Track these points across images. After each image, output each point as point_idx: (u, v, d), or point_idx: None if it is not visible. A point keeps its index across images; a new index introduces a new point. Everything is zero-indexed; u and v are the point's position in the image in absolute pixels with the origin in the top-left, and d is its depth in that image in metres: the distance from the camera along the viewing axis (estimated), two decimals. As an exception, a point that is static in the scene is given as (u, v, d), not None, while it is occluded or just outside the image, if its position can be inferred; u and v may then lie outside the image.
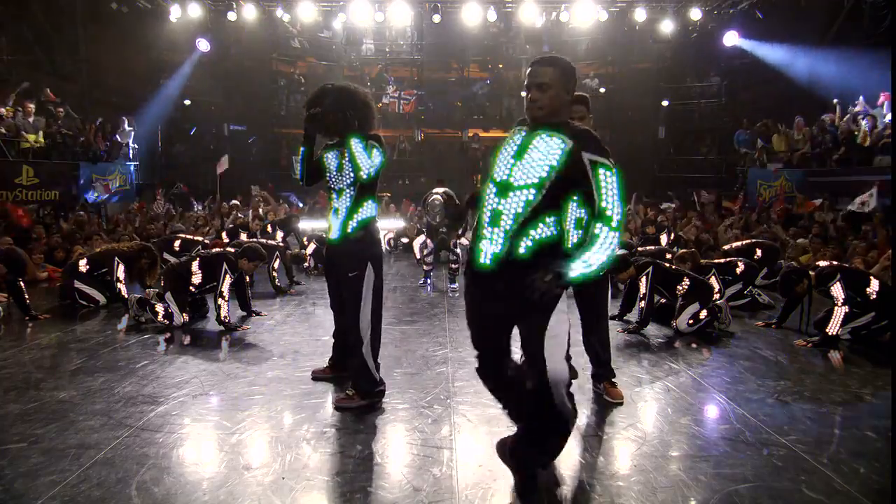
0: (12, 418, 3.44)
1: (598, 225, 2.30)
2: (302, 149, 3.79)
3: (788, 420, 3.50)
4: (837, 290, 5.05)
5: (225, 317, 5.38)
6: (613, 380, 3.88)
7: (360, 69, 18.51)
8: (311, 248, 8.78)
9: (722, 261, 6.71)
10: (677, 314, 5.44)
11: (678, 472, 2.89)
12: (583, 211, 2.61)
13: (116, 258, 6.30)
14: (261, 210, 12.24)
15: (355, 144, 3.53)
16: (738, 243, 8.08)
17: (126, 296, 6.09)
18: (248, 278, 5.98)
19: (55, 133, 12.12)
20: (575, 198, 2.45)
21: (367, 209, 3.67)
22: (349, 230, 3.62)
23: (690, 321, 5.35)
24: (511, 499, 2.65)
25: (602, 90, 17.88)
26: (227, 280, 5.46)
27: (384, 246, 3.83)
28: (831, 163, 11.87)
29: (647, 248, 8.18)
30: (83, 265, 6.36)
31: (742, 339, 5.29)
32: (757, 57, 14.66)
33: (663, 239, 10.26)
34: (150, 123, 15.81)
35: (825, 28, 13.86)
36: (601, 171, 2.33)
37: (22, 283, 5.87)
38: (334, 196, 3.71)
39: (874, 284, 5.07)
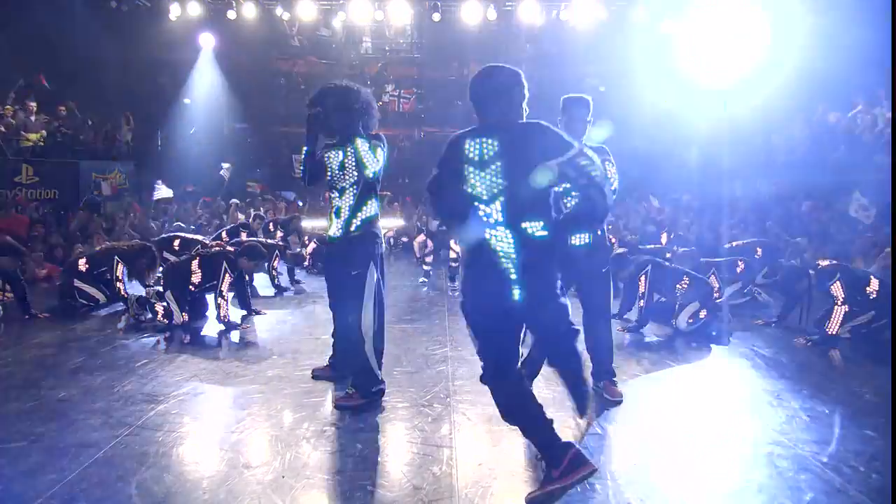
0: (12, 417, 3.44)
1: None
2: (304, 148, 3.79)
3: (788, 419, 3.50)
4: (837, 289, 5.05)
5: (225, 316, 5.38)
6: (613, 378, 3.87)
7: (360, 68, 18.49)
8: (311, 247, 8.78)
9: (722, 259, 6.71)
10: (677, 313, 5.44)
11: (677, 470, 2.89)
12: None
13: (116, 257, 6.30)
14: (261, 209, 12.23)
15: (361, 144, 3.54)
16: (739, 242, 8.08)
17: (126, 295, 6.09)
18: (247, 277, 5.98)
19: (55, 132, 12.12)
20: None
21: (370, 208, 3.67)
22: (352, 229, 3.62)
23: (690, 320, 5.35)
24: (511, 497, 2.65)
25: (602, 88, 17.87)
26: (227, 279, 5.46)
27: (384, 243, 3.85)
28: (831, 161, 11.86)
29: (647, 246, 8.17)
30: (83, 264, 6.35)
31: (742, 337, 5.28)
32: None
33: (663, 237, 10.26)
34: (149, 122, 15.80)
35: (825, 26, 13.85)
36: None
37: (24, 282, 5.88)
38: (336, 195, 3.70)
39: (874, 283, 5.07)
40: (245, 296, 5.97)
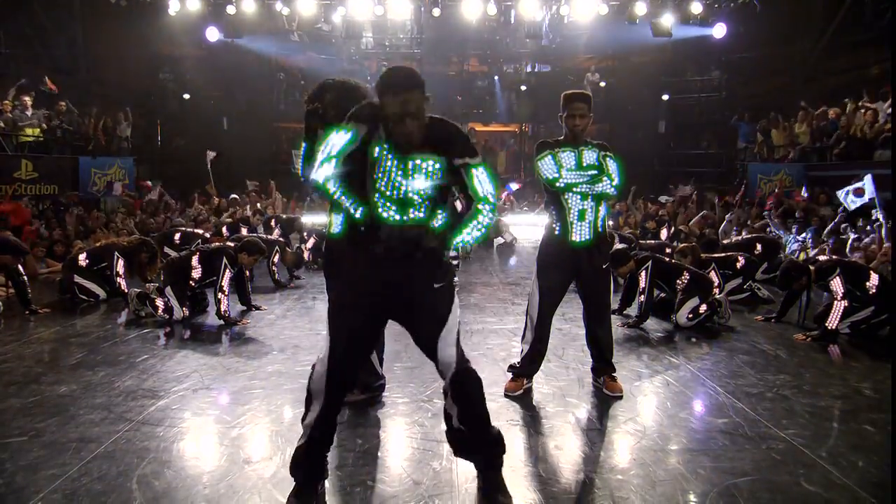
0: (13, 412, 3.45)
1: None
2: (303, 144, 3.76)
3: (787, 414, 3.51)
4: (837, 285, 5.06)
5: (225, 311, 5.38)
6: (613, 374, 3.88)
7: (360, 63, 18.45)
8: (310, 242, 8.78)
9: (722, 255, 6.71)
10: (677, 308, 5.45)
11: (677, 465, 2.89)
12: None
13: (116, 253, 6.31)
14: (259, 205, 12.22)
15: None
16: (739, 238, 8.10)
17: (125, 290, 6.09)
18: (247, 273, 5.98)
19: (55, 128, 12.10)
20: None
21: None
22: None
23: (690, 315, 5.36)
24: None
25: (602, 84, 17.84)
26: (227, 274, 5.46)
27: None
28: (831, 157, 11.86)
29: (647, 242, 8.18)
30: (83, 259, 6.36)
31: (741, 333, 5.29)
32: (758, 50, 14.65)
33: (663, 233, 10.27)
34: (149, 117, 15.79)
35: (826, 21, 13.84)
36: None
37: (24, 277, 5.88)
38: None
39: (874, 279, 5.07)
40: (245, 291, 5.97)
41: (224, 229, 9.48)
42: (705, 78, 17.21)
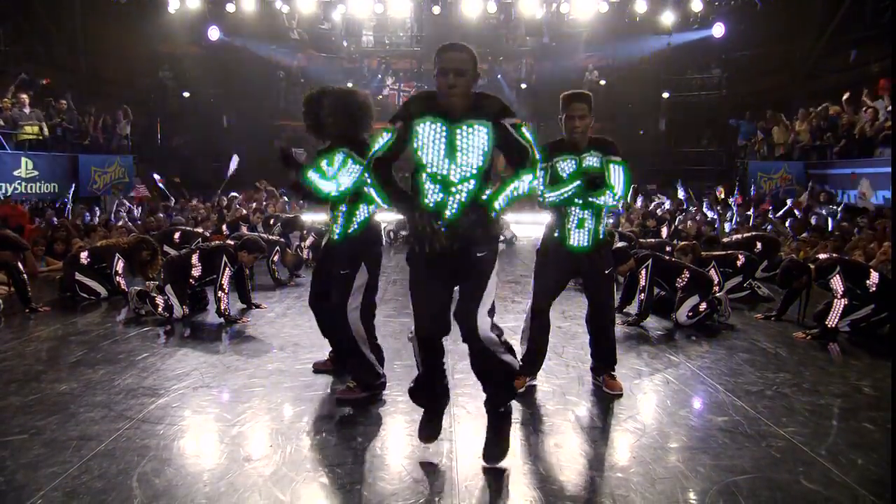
0: (13, 410, 3.45)
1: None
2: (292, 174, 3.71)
3: (787, 412, 3.51)
4: (837, 283, 5.05)
5: (225, 309, 5.38)
6: (613, 372, 3.88)
7: (360, 60, 18.45)
8: (309, 241, 8.78)
9: (722, 253, 6.71)
10: (677, 307, 5.45)
11: (677, 463, 2.90)
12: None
13: (117, 253, 6.32)
14: (263, 203, 12.22)
15: (338, 160, 3.48)
16: (739, 236, 8.09)
17: (125, 289, 6.09)
18: (247, 271, 5.98)
19: (55, 126, 12.09)
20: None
21: (363, 211, 3.59)
22: (349, 231, 3.58)
23: (690, 313, 5.36)
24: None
25: (602, 82, 17.82)
26: (227, 272, 5.46)
27: (384, 239, 3.79)
28: (831, 155, 11.86)
29: (648, 240, 8.18)
30: (84, 257, 6.37)
31: (741, 331, 5.29)
32: (758, 48, 14.63)
33: (664, 231, 10.26)
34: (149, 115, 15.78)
35: (826, 19, 13.82)
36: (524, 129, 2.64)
37: (24, 276, 5.88)
38: (331, 202, 3.63)
39: (873, 277, 5.07)
40: (245, 289, 5.97)
41: (224, 228, 9.48)
42: (705, 76, 17.20)
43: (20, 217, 9.16)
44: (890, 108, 10.54)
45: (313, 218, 10.60)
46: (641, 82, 17.59)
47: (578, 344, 4.80)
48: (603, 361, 3.89)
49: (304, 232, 9.12)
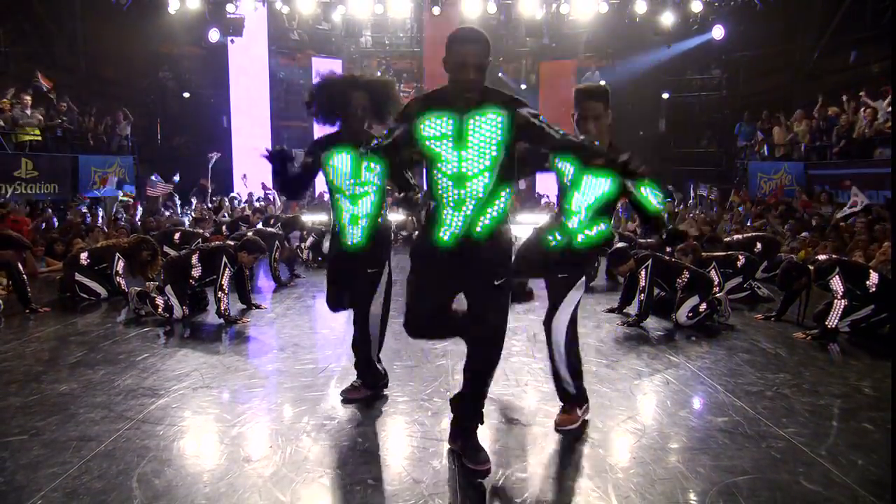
0: (13, 411, 3.45)
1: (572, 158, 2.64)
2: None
3: (787, 412, 3.51)
4: (836, 284, 5.06)
5: (225, 310, 5.38)
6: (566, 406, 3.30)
7: (360, 61, 18.44)
8: (309, 241, 8.78)
9: (722, 254, 6.71)
10: (677, 307, 5.45)
11: (677, 464, 2.90)
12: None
13: (117, 254, 6.32)
14: (258, 203, 12.25)
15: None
16: (739, 236, 8.10)
17: (125, 289, 6.10)
18: (247, 271, 5.98)
19: (55, 126, 12.09)
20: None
21: (385, 210, 3.46)
22: (372, 235, 3.38)
23: (690, 314, 5.36)
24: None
25: (602, 83, 17.82)
26: (227, 273, 5.46)
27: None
28: (831, 155, 11.86)
29: (647, 240, 8.18)
30: (84, 258, 6.38)
31: (741, 331, 5.29)
32: (758, 48, 14.64)
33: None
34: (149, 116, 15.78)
35: (826, 20, 13.82)
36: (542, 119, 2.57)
37: (24, 276, 5.88)
38: (346, 202, 3.36)
39: (873, 277, 5.07)
40: (245, 290, 5.97)
41: (224, 228, 9.48)
42: (705, 76, 17.20)
43: (21, 224, 9.16)
44: (889, 108, 10.55)
45: (313, 218, 10.60)
46: (641, 83, 17.58)
47: (579, 345, 4.79)
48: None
49: (304, 232, 9.12)
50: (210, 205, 13.01)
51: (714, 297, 5.47)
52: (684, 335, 5.20)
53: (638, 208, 3.13)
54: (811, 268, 5.33)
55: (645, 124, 17.58)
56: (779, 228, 9.52)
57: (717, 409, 3.58)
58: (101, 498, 2.56)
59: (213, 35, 15.01)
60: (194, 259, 5.62)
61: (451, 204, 2.58)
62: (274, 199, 13.85)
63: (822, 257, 5.66)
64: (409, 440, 3.15)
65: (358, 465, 2.87)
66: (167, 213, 11.68)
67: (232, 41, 15.36)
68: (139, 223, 10.50)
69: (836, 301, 5.05)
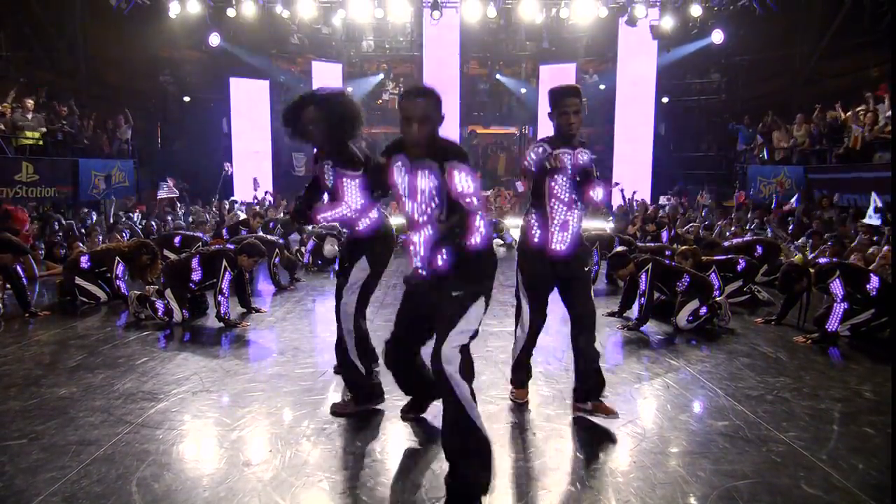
0: (12, 415, 3.45)
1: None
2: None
3: (787, 416, 3.50)
4: (836, 287, 5.05)
5: (224, 313, 5.38)
6: (601, 398, 3.47)
7: (360, 65, 18.49)
8: (310, 245, 8.78)
9: (723, 258, 6.71)
10: (677, 311, 5.45)
11: (677, 468, 2.89)
12: None
13: (117, 257, 6.32)
14: (258, 208, 12.25)
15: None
16: (739, 240, 8.10)
17: (124, 293, 6.10)
18: (247, 275, 5.98)
19: (57, 130, 12.11)
20: None
21: (369, 218, 3.48)
22: (350, 238, 3.55)
23: (690, 318, 5.36)
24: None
25: (602, 87, 17.85)
26: (227, 277, 5.46)
27: None
28: (831, 159, 11.87)
29: (648, 244, 8.19)
30: (84, 261, 6.37)
31: (741, 335, 5.29)
32: (757, 52, 14.67)
33: (663, 236, 10.27)
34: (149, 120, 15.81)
35: (825, 24, 13.86)
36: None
37: (24, 280, 5.88)
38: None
39: (874, 281, 5.07)
40: (245, 294, 5.97)
41: (224, 232, 9.48)
42: (705, 81, 17.23)
43: (21, 222, 9.16)
44: (890, 112, 10.56)
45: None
46: (641, 87, 17.59)
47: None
48: (586, 382, 3.49)
49: (304, 236, 9.12)
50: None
51: (714, 300, 5.47)
52: (684, 339, 5.20)
53: None
54: (811, 271, 5.33)
55: (644, 128, 17.58)
56: (779, 232, 9.52)
57: (717, 413, 3.57)
58: (100, 502, 2.55)
59: (214, 40, 15.04)
60: (194, 263, 5.62)
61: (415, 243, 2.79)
62: (274, 202, 13.86)
63: (822, 260, 5.66)
64: (409, 444, 3.15)
65: (358, 469, 2.86)
66: (168, 218, 11.68)
67: (233, 45, 15.40)
68: (139, 227, 10.50)
69: (836, 305, 5.04)
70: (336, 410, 3.54)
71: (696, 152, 17.11)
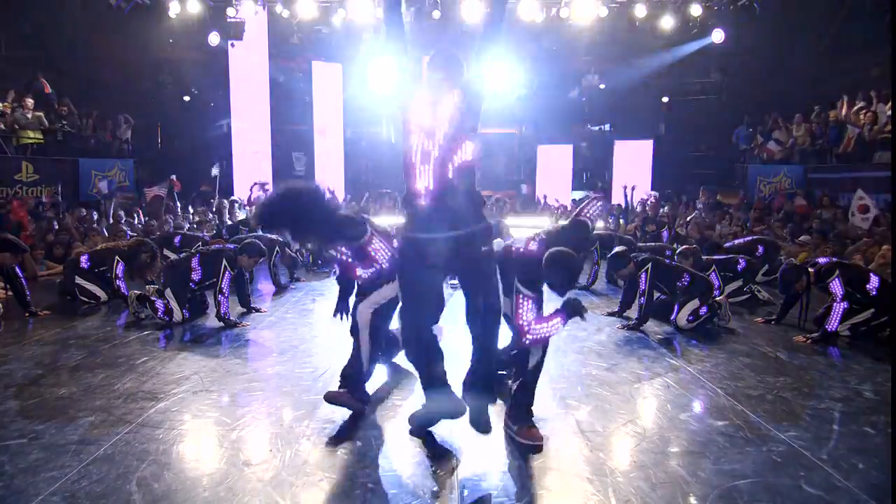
0: (12, 414, 3.44)
1: None
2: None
3: (787, 416, 3.50)
4: (836, 287, 5.05)
5: (224, 313, 5.38)
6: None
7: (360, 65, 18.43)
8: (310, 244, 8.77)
9: (723, 257, 6.72)
10: (677, 310, 5.44)
11: (677, 467, 2.89)
12: None
13: (116, 256, 6.32)
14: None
15: None
16: (739, 240, 8.10)
17: (124, 293, 6.10)
18: (247, 275, 5.98)
19: (57, 130, 12.11)
20: None
21: None
22: None
23: (690, 317, 5.36)
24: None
25: (602, 86, 17.85)
26: (227, 276, 5.46)
27: None
28: (831, 159, 11.87)
29: (648, 244, 8.18)
30: (84, 261, 6.37)
31: (742, 335, 5.29)
32: (757, 52, 14.67)
33: (664, 235, 10.27)
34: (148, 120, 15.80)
35: (825, 24, 13.85)
36: None
37: (23, 280, 5.88)
38: None
39: (873, 281, 5.07)
40: (245, 293, 5.97)
41: (224, 231, 9.48)
42: (705, 80, 17.23)
43: (20, 217, 9.17)
44: (889, 112, 10.56)
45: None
46: (641, 86, 17.60)
47: (577, 348, 4.80)
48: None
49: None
50: (210, 208, 13.02)
51: (714, 300, 5.47)
52: (685, 338, 5.20)
53: None
54: (811, 270, 5.33)
55: (644, 128, 17.59)
56: (779, 232, 9.52)
57: (717, 413, 3.57)
58: (100, 502, 2.55)
59: (213, 39, 15.03)
60: (194, 262, 5.62)
61: None
62: None
63: (822, 260, 5.66)
64: (409, 444, 3.14)
65: (357, 469, 2.86)
66: (167, 218, 11.66)
67: (232, 45, 15.35)
68: (140, 226, 10.49)
69: (835, 304, 5.04)
70: (330, 397, 3.47)
71: (696, 152, 17.11)
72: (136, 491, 2.64)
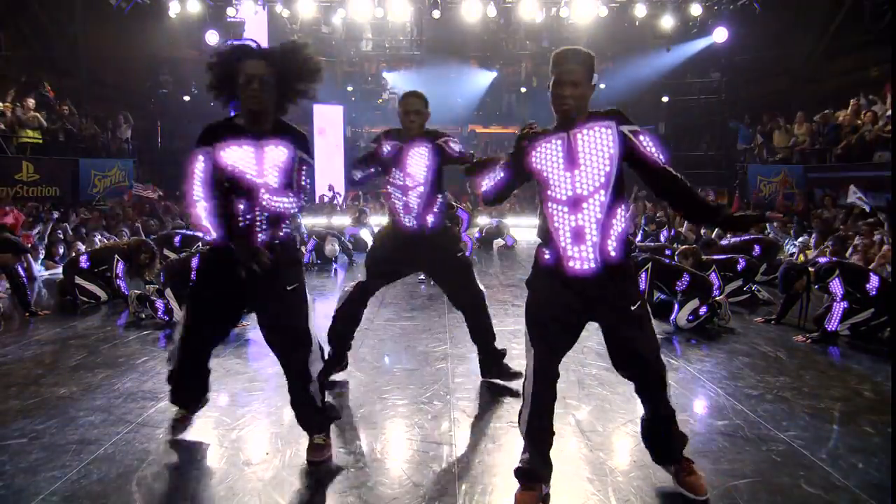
0: (13, 414, 3.45)
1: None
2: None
3: (787, 416, 3.50)
4: (836, 287, 5.05)
5: (225, 313, 5.37)
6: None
7: (360, 64, 18.49)
8: (310, 244, 8.78)
9: (723, 257, 6.72)
10: (677, 310, 5.44)
11: (677, 467, 2.89)
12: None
13: (116, 256, 6.33)
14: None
15: None
16: (736, 238, 8.10)
17: (125, 292, 6.10)
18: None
19: (58, 130, 12.12)
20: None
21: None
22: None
23: (690, 317, 5.36)
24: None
25: (602, 86, 17.87)
26: (227, 276, 5.45)
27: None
28: (831, 158, 11.87)
29: (648, 244, 8.19)
30: (84, 261, 6.38)
31: (741, 335, 5.29)
32: (757, 52, 14.67)
33: (662, 235, 10.28)
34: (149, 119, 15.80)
35: (825, 23, 13.86)
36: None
37: (24, 279, 5.89)
38: None
39: (873, 280, 5.07)
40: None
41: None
42: (705, 80, 17.23)
43: (17, 220, 9.17)
44: (890, 111, 10.55)
45: (312, 221, 10.61)
46: (641, 86, 17.61)
47: (578, 348, 4.79)
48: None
49: (304, 236, 9.12)
50: None
51: (714, 300, 5.47)
52: (684, 338, 5.20)
53: None
54: (811, 270, 5.33)
55: (644, 127, 17.60)
56: (779, 232, 9.52)
57: (717, 413, 3.57)
58: (100, 501, 2.55)
59: (212, 38, 15.03)
60: (194, 262, 5.62)
61: None
62: None
63: (821, 260, 5.66)
64: (409, 443, 3.15)
65: (357, 469, 2.86)
66: (167, 220, 11.67)
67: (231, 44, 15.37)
68: (138, 226, 10.50)
69: (835, 304, 5.04)
70: (314, 459, 3.00)
71: (696, 152, 17.11)
72: (136, 490, 2.64)
